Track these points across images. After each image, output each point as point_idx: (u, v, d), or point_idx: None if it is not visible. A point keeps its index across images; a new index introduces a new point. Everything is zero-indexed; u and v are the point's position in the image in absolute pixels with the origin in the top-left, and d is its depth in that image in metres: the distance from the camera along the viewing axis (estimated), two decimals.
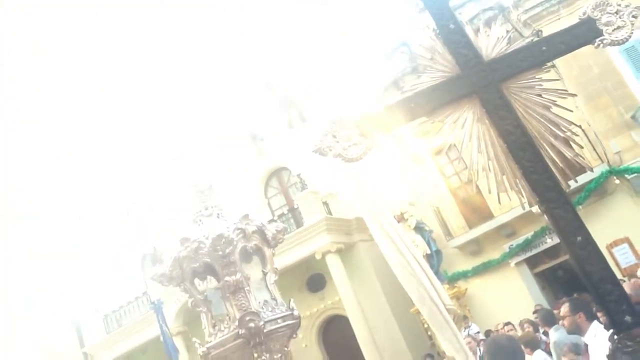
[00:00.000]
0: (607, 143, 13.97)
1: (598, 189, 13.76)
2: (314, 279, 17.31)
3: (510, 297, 14.17)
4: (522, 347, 7.42)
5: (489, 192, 2.56)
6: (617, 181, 13.77)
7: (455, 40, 2.67)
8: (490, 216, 15.08)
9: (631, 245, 13.50)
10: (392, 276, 8.34)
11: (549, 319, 7.81)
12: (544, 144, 2.59)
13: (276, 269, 3.04)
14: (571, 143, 2.76)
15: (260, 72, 17.49)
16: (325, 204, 16.42)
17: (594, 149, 14.02)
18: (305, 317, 17.18)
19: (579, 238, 2.48)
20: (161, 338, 15.50)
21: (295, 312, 2.90)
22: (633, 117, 13.66)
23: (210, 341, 2.74)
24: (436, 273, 14.65)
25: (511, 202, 14.24)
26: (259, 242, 2.92)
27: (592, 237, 2.51)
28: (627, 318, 2.42)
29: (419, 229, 15.19)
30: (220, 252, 2.74)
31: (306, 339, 17.29)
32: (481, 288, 15.19)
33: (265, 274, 2.96)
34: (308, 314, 17.18)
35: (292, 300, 2.95)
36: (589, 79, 13.82)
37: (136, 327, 17.92)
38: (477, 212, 15.40)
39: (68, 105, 20.96)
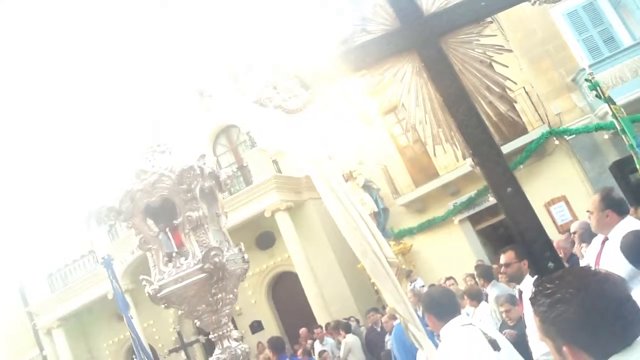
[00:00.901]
0: (548, 105, 14.42)
1: (538, 150, 14.25)
2: (263, 237, 17.43)
3: (454, 253, 14.67)
4: (467, 298, 7.78)
5: (425, 143, 2.63)
6: (557, 142, 14.29)
7: None
8: (436, 175, 15.45)
9: (567, 204, 14.16)
10: (340, 234, 8.49)
11: (487, 275, 8.16)
12: (479, 99, 2.67)
13: (226, 212, 3.05)
14: (507, 99, 2.84)
15: (207, 28, 17.04)
16: (275, 162, 16.42)
17: (536, 111, 14.44)
18: (254, 274, 17.37)
19: (509, 189, 2.59)
20: (109, 295, 15.38)
21: (246, 256, 2.92)
22: (574, 80, 14.10)
23: (162, 279, 2.68)
24: (383, 230, 15.01)
25: (456, 162, 14.71)
26: (212, 184, 2.91)
27: (521, 189, 2.63)
28: (550, 264, 2.58)
29: (367, 187, 15.46)
30: (185, 186, 2.69)
31: (255, 295, 17.52)
32: (426, 244, 15.68)
33: (217, 215, 2.95)
34: (257, 271, 17.37)
35: (242, 244, 2.97)
36: (533, 42, 14.13)
37: (82, 285, 17.70)
38: (423, 171, 15.75)
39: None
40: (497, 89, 2.71)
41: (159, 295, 2.68)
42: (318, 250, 16.10)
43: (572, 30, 14.21)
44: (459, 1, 2.68)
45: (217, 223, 2.93)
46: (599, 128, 13.51)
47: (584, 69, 11.78)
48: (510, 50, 2.78)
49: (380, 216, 15.35)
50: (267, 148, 16.21)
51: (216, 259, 2.61)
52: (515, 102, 2.72)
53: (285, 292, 17.34)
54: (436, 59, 2.65)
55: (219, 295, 2.69)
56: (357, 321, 13.22)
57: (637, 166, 8.20)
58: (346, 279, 15.95)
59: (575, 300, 1.39)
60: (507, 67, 2.89)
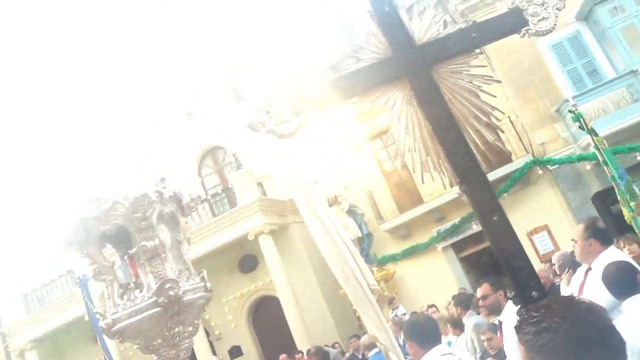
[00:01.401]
0: (532, 134, 14.62)
1: (522, 179, 14.40)
2: (245, 260, 17.28)
3: (436, 280, 14.66)
4: (450, 326, 7.76)
5: (414, 171, 2.64)
6: (540, 171, 14.45)
7: (389, 22, 2.72)
8: (420, 201, 15.51)
9: (550, 233, 14.27)
10: (323, 258, 8.45)
11: (464, 304, 8.18)
12: (468, 128, 2.70)
13: (189, 238, 2.88)
14: (494, 128, 2.87)
15: (197, 48, 17.13)
16: (260, 184, 16.38)
17: (520, 140, 14.63)
18: (235, 297, 17.18)
19: (494, 217, 2.61)
20: (86, 317, 15.09)
21: (208, 285, 2.76)
22: (558, 110, 14.34)
23: (117, 312, 2.54)
24: (366, 256, 14.99)
25: (441, 188, 14.78)
26: (174, 208, 2.74)
27: (507, 217, 2.65)
28: (534, 293, 2.59)
29: (351, 212, 15.46)
30: (140, 214, 2.54)
31: (236, 320, 17.30)
32: (409, 271, 15.66)
33: (179, 242, 2.77)
34: (239, 295, 17.19)
35: (204, 272, 2.80)
36: (519, 72, 14.38)
37: (59, 306, 17.33)
38: (408, 197, 15.80)
39: None
40: (485, 119, 2.74)
41: (112, 329, 2.55)
42: (300, 274, 16.00)
43: (557, 62, 14.52)
44: (450, 32, 2.72)
45: (177, 250, 2.77)
46: (581, 159, 13.70)
47: (568, 100, 12.00)
48: (499, 81, 2.83)
49: (364, 241, 15.33)
50: (253, 170, 16.18)
51: (171, 292, 2.48)
52: (502, 131, 2.75)
53: (266, 316, 17.15)
54: (427, 88, 2.68)
55: (177, 329, 2.56)
56: (341, 348, 13.08)
57: (619, 197, 8.31)
58: (328, 304, 15.83)
59: (562, 329, 1.39)
60: (495, 97, 2.93)
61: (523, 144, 14.64)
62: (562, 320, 1.40)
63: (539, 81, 14.66)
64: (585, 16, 14.29)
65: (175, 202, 2.75)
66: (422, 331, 3.55)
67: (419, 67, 2.71)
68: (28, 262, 18.14)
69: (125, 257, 2.67)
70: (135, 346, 2.70)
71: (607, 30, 13.97)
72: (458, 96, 2.72)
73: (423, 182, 2.67)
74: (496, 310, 4.95)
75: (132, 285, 2.62)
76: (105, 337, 14.17)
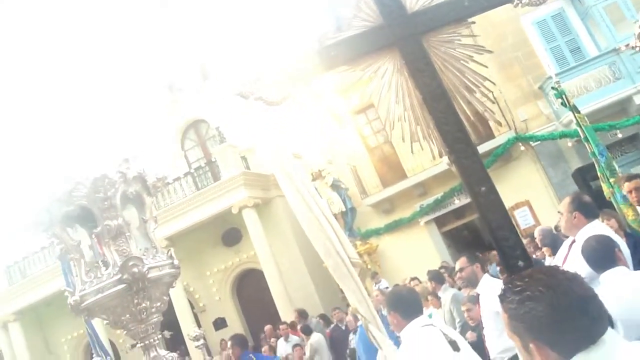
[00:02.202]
0: (515, 111, 14.71)
1: (504, 154, 14.51)
2: (229, 233, 17.30)
3: (419, 254, 14.82)
4: (430, 299, 7.90)
5: (403, 140, 2.65)
6: (522, 148, 14.58)
7: None
8: (404, 176, 15.59)
9: (531, 208, 14.47)
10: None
11: (438, 279, 8.33)
12: (458, 97, 2.71)
13: (155, 217, 2.94)
14: (480, 97, 2.88)
15: (179, 23, 16.86)
16: (244, 158, 16.32)
17: (503, 116, 14.72)
18: (219, 270, 17.23)
19: (483, 188, 2.64)
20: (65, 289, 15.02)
21: (176, 262, 2.82)
22: (541, 87, 14.42)
23: (84, 289, 2.60)
24: (350, 230, 15.11)
25: (424, 163, 14.87)
26: (139, 188, 2.80)
27: (495, 188, 2.68)
28: (520, 263, 2.64)
29: (335, 186, 15.52)
30: (101, 194, 2.60)
31: (220, 292, 17.38)
32: (392, 245, 15.80)
33: (145, 221, 2.84)
34: (223, 268, 17.24)
35: (172, 249, 2.88)
36: (503, 48, 14.38)
37: (41, 278, 17.24)
38: (391, 172, 15.87)
39: None
40: (475, 89, 2.75)
41: (81, 306, 2.62)
42: (284, 248, 16.07)
43: (541, 39, 14.55)
44: (442, 0, 2.71)
45: (143, 229, 2.84)
46: (563, 135, 13.84)
47: (551, 77, 12.05)
48: (491, 51, 2.82)
49: (348, 216, 15.42)
50: (237, 144, 16.10)
51: (135, 269, 2.55)
52: (493, 102, 2.77)
53: (250, 289, 17.25)
54: (417, 57, 2.68)
55: (143, 305, 2.63)
56: (326, 318, 13.20)
57: (599, 173, 8.44)
58: (312, 277, 15.95)
59: (544, 297, 1.42)
60: (487, 67, 2.94)
61: (506, 120, 14.73)
62: (546, 289, 1.43)
63: (523, 58, 14.70)
64: None
65: (140, 182, 2.80)
66: (405, 302, 3.61)
67: (409, 36, 2.70)
68: (9, 235, 17.96)
69: (93, 235, 2.72)
70: (105, 322, 2.78)
71: (591, 8, 14.01)
72: (449, 65, 2.72)
73: (412, 152, 2.68)
74: (472, 282, 5.06)
75: (98, 263, 2.69)
76: None
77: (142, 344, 2.69)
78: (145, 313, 2.63)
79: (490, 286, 4.66)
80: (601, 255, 3.53)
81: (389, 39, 2.70)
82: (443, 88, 2.67)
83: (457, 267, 5.01)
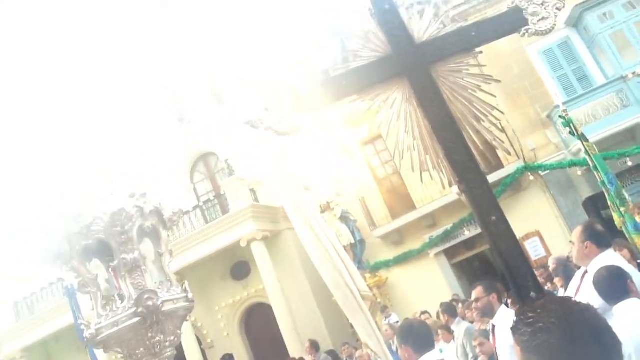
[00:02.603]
0: (523, 140, 14.69)
1: (513, 184, 14.44)
2: (238, 267, 17.18)
3: (429, 287, 14.64)
4: (441, 333, 7.76)
5: (412, 170, 2.63)
6: (532, 177, 14.51)
7: (389, 20, 2.72)
8: (412, 207, 15.52)
9: (541, 239, 14.31)
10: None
11: (451, 312, 8.19)
12: (467, 127, 2.70)
13: (171, 251, 3.00)
14: (490, 128, 2.87)
15: (190, 53, 17.09)
16: (253, 191, 16.33)
17: (512, 146, 14.70)
18: (227, 305, 17.06)
19: (493, 217, 2.61)
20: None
21: (190, 295, 2.86)
22: (548, 116, 14.43)
23: (100, 322, 2.65)
24: (359, 262, 14.98)
25: (433, 194, 14.81)
26: (155, 222, 2.87)
27: (506, 217, 2.64)
28: (532, 294, 2.58)
29: (344, 218, 15.46)
30: (119, 228, 2.67)
31: (228, 328, 17.17)
32: (402, 277, 15.63)
33: (160, 255, 2.91)
34: (231, 302, 17.08)
35: (186, 282, 2.90)
36: (509, 78, 14.46)
37: (49, 314, 17.15)
38: (400, 203, 15.81)
39: None
40: (484, 118, 2.74)
41: (96, 339, 2.66)
42: (293, 281, 15.93)
43: (548, 68, 14.62)
44: (450, 31, 2.72)
45: (159, 262, 2.90)
46: (572, 164, 13.78)
47: (558, 106, 12.07)
48: (499, 81, 2.83)
49: (357, 248, 15.32)
50: (245, 177, 16.13)
51: (149, 303, 2.59)
52: (502, 131, 2.76)
53: (259, 324, 17.04)
54: (426, 86, 2.68)
55: (157, 338, 2.66)
56: (334, 354, 12.99)
57: (609, 202, 8.37)
58: (321, 311, 15.76)
59: (557, 329, 1.39)
60: (495, 97, 2.93)
61: (514, 149, 14.71)
62: (558, 320, 1.40)
63: (530, 87, 14.76)
64: (575, 22, 14.42)
65: (157, 216, 2.86)
66: (417, 335, 3.56)
67: (418, 66, 2.71)
68: (18, 271, 17.94)
69: (110, 269, 2.77)
70: (120, 355, 2.78)
71: (597, 36, 14.10)
72: (457, 95, 2.72)
73: (422, 181, 2.65)
74: (489, 313, 4.94)
75: (114, 296, 2.74)
76: (93, 350, 14.03)
77: None
78: (159, 347, 2.65)
79: (507, 318, 4.55)
80: (613, 286, 3.47)
81: (398, 69, 2.71)
82: (452, 117, 2.67)
83: (473, 296, 4.90)
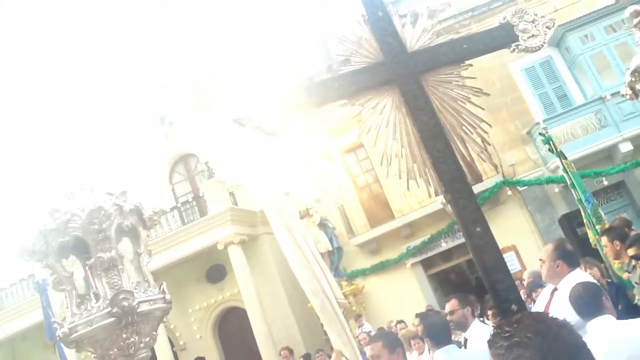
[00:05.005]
0: (502, 155, 14.86)
1: (491, 198, 14.57)
2: (213, 270, 17.06)
3: (405, 296, 14.68)
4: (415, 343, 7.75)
5: (399, 177, 2.64)
6: (510, 192, 14.67)
7: (382, 28, 2.74)
8: (391, 216, 15.57)
9: (517, 253, 14.46)
10: (292, 271, 8.33)
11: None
12: (455, 138, 2.71)
13: (149, 251, 2.96)
14: (477, 140, 2.89)
15: (175, 54, 16.99)
16: (232, 194, 16.24)
17: (491, 160, 14.85)
18: (202, 308, 16.91)
19: (478, 229, 2.62)
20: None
21: (167, 297, 2.81)
22: (528, 133, 14.62)
23: (74, 321, 2.58)
24: (336, 269, 14.97)
25: (412, 205, 14.88)
26: (134, 221, 2.81)
27: (490, 229, 2.65)
28: (513, 307, 2.60)
29: (322, 225, 15.44)
30: (97, 226, 2.61)
31: (201, 330, 17.02)
32: (378, 286, 15.65)
33: (139, 254, 2.85)
34: (205, 305, 16.93)
35: (164, 283, 2.85)
36: (491, 93, 14.50)
37: (18, 310, 16.80)
38: (379, 212, 15.85)
39: None
40: (472, 130, 2.76)
41: (69, 338, 2.60)
42: (269, 286, 15.85)
43: (529, 85, 14.84)
44: (441, 41, 2.74)
45: (137, 262, 2.86)
46: (550, 181, 13.96)
47: (538, 123, 12.24)
48: (488, 94, 2.86)
49: (334, 255, 15.30)
50: (225, 179, 16.04)
51: (125, 303, 2.54)
52: (489, 143, 2.78)
53: (233, 328, 16.92)
54: (416, 95, 2.69)
55: (132, 339, 2.61)
56: (309, 357, 12.96)
57: (585, 220, 8.49)
58: (295, 317, 15.71)
59: (534, 344, 1.39)
60: (484, 109, 2.95)
61: (494, 164, 14.86)
62: (535, 335, 1.41)
63: (511, 103, 14.95)
64: (557, 42, 14.67)
65: (136, 215, 2.81)
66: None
67: (409, 74, 2.72)
68: None
69: (86, 267, 2.72)
70: (93, 356, 2.73)
71: (578, 56, 14.36)
72: (446, 105, 2.74)
73: (408, 189, 2.66)
74: (462, 326, 4.96)
75: (90, 295, 2.67)
76: (63, 346, 13.73)
77: None
78: (133, 348, 2.60)
79: (480, 332, 4.58)
80: (589, 302, 3.50)
81: (389, 76, 2.72)
82: (441, 127, 2.68)
83: (448, 309, 4.92)
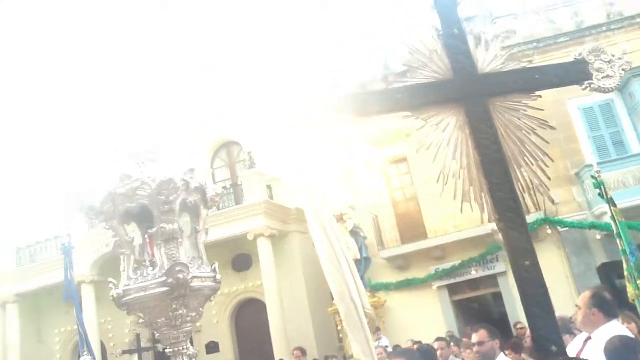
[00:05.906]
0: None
1: (531, 234, 14.22)
2: (240, 259, 17.21)
3: (426, 318, 14.50)
4: None
5: (454, 198, 2.60)
6: (549, 231, 14.31)
7: (456, 45, 2.70)
8: (424, 236, 15.40)
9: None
10: (318, 273, 8.30)
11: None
12: (515, 167, 2.66)
13: (207, 229, 3.04)
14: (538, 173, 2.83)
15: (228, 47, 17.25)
16: (269, 187, 16.36)
17: (535, 196, 14.50)
18: (223, 294, 17.07)
19: (527, 262, 2.56)
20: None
21: (218, 277, 2.89)
22: (577, 174, 14.26)
23: (128, 285, 2.68)
24: (361, 279, 14.88)
25: (446, 227, 14.69)
26: (198, 199, 2.90)
27: (539, 264, 2.59)
28: (554, 348, 2.52)
29: (354, 233, 15.36)
30: (164, 197, 2.69)
31: (219, 316, 17.18)
32: (400, 303, 15.49)
33: (197, 232, 2.94)
34: (227, 292, 17.09)
35: (216, 263, 2.93)
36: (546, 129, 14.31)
37: (49, 266, 17.26)
38: (412, 229, 15.70)
39: None
40: (534, 162, 2.71)
41: (122, 300, 2.70)
42: (291, 284, 15.89)
43: (585, 126, 14.48)
44: (514, 68, 2.69)
45: (194, 238, 2.94)
46: (593, 227, 13.58)
47: (590, 165, 11.93)
48: (554, 128, 2.81)
49: (362, 265, 15.18)
50: (265, 172, 16.16)
51: (180, 275, 2.60)
52: (549, 178, 2.71)
53: (250, 318, 17.03)
54: (481, 118, 2.65)
55: (180, 312, 2.68)
56: None
57: (626, 272, 8.22)
58: (313, 319, 15.71)
59: None
60: (549, 143, 2.89)
61: (537, 200, 14.53)
62: None
63: (564, 141, 14.58)
64: (622, 86, 14.27)
65: (200, 194, 2.89)
66: None
67: (477, 96, 2.68)
68: (27, 218, 18.14)
69: (146, 236, 2.81)
70: (140, 320, 2.82)
71: None
72: (511, 133, 2.69)
73: (462, 211, 2.61)
74: (489, 358, 4.87)
75: (147, 262, 2.77)
76: (81, 310, 13.99)
77: (171, 350, 2.72)
78: (180, 320, 2.68)
79: None
80: (624, 357, 3.39)
81: (456, 95, 2.69)
82: (502, 154, 2.64)
83: (475, 339, 4.82)
